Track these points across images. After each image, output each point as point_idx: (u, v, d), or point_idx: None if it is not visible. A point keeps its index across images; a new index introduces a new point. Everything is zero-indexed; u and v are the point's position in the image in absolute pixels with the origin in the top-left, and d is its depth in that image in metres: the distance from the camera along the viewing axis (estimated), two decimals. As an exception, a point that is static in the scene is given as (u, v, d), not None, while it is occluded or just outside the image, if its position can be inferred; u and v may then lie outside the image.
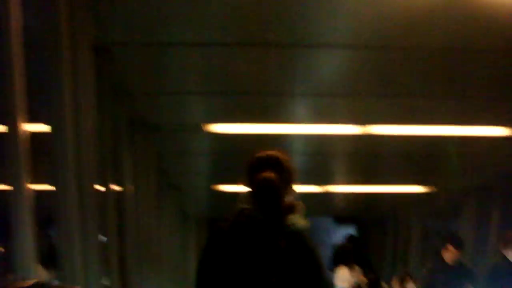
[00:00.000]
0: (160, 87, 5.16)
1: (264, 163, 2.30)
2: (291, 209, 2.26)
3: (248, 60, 4.57)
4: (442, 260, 5.83)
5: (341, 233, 19.18)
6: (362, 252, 14.37)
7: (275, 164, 2.30)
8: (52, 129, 3.01)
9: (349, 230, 18.99)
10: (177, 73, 4.85)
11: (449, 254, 5.74)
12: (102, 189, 4.26)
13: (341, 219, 19.76)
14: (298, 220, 2.25)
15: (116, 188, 4.88)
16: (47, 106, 3.00)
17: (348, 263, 10.58)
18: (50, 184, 3.02)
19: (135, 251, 5.55)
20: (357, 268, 10.27)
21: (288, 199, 2.28)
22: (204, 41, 4.18)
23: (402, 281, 7.70)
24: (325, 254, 17.69)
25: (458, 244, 5.84)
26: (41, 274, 2.94)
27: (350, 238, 17.86)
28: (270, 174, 2.24)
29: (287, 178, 2.30)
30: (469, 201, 9.29)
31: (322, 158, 7.71)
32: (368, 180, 8.74)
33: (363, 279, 9.77)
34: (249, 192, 2.31)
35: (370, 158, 7.61)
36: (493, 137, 6.16)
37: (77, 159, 3.10)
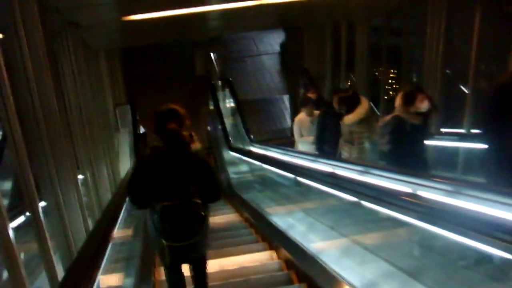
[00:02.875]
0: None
1: (168, 115, 3.75)
2: (191, 139, 3.72)
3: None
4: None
5: (270, 42, 17.89)
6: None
7: (176, 115, 3.76)
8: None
9: (278, 39, 17.62)
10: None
11: None
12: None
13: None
14: (196, 147, 3.74)
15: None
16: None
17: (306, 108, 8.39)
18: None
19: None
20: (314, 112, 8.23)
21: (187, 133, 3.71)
22: None
23: (411, 99, 5.51)
24: (252, 65, 16.61)
25: None
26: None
27: (282, 45, 16.64)
28: (174, 126, 3.67)
29: (184, 122, 3.78)
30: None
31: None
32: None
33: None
34: (159, 136, 3.69)
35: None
36: None
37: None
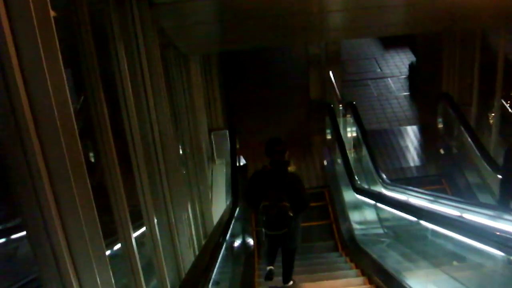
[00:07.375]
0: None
1: (275, 144, 5.78)
2: (288, 164, 5.76)
3: None
4: None
5: (396, 63, 15.45)
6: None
7: (280, 142, 5.80)
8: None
9: (405, 59, 15.19)
10: None
11: None
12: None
13: (390, 43, 15.60)
14: (292, 168, 5.78)
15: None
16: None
17: None
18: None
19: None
20: None
21: (287, 158, 5.81)
22: None
23: None
24: (376, 89, 14.17)
25: None
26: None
27: (411, 66, 14.19)
28: (278, 157, 5.74)
29: (285, 150, 5.79)
30: None
31: None
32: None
33: None
34: (268, 156, 5.81)
35: None
36: None
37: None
